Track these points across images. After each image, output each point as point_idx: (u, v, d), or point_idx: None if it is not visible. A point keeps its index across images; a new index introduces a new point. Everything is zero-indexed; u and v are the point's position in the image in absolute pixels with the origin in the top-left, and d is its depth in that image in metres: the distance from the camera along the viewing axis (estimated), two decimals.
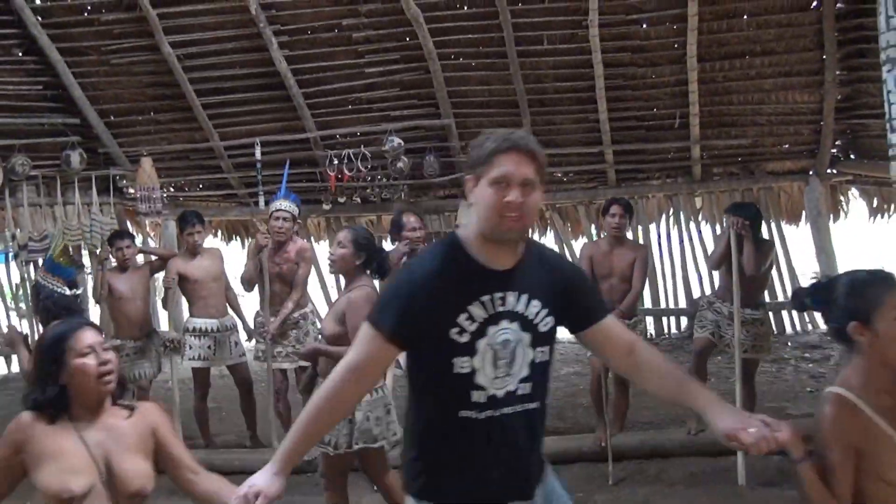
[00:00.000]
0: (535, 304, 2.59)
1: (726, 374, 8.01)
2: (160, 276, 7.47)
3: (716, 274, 7.62)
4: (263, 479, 2.58)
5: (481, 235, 2.58)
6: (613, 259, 6.60)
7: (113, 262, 7.45)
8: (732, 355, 6.40)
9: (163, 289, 7.33)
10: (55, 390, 2.87)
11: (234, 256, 9.89)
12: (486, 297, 2.55)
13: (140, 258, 7.77)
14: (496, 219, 2.50)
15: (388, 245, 6.99)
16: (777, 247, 10.32)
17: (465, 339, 2.54)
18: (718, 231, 9.84)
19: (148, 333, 7.22)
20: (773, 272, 10.22)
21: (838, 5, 8.88)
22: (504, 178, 2.48)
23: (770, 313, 10.23)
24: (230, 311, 7.47)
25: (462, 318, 2.53)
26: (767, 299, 10.06)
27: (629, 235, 7.57)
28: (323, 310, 9.75)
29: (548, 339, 2.64)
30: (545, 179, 2.61)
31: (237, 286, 7.50)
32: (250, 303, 7.50)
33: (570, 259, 9.12)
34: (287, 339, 6.91)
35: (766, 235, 7.53)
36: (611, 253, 6.63)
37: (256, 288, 7.03)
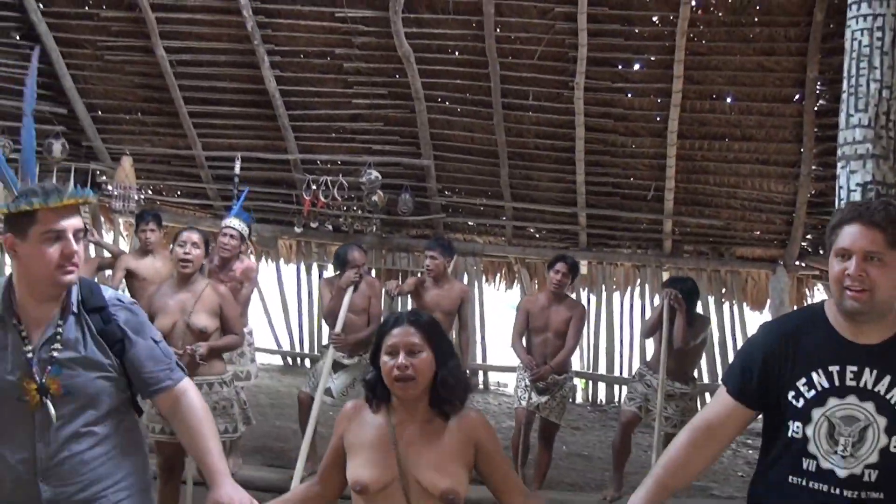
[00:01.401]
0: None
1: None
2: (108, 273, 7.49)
3: (648, 345, 7.66)
4: None
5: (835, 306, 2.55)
6: (550, 314, 6.65)
7: None
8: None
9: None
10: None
11: None
12: (834, 368, 2.50)
13: (92, 250, 7.79)
14: (838, 291, 2.46)
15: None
16: (736, 331, 10.40)
17: (800, 404, 2.54)
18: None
19: None
20: (731, 355, 10.31)
21: (820, 102, 9.01)
22: (844, 251, 2.46)
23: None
24: None
25: (801, 383, 2.54)
26: (720, 382, 10.18)
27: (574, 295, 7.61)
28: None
29: None
30: None
31: None
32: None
33: None
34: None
35: (702, 311, 7.56)
36: (548, 308, 6.67)
37: None
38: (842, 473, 2.47)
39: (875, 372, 2.45)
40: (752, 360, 2.66)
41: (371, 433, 2.82)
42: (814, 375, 2.50)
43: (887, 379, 2.43)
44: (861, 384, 2.46)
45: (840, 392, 2.47)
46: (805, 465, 2.53)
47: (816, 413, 2.49)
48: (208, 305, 5.37)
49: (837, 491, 2.47)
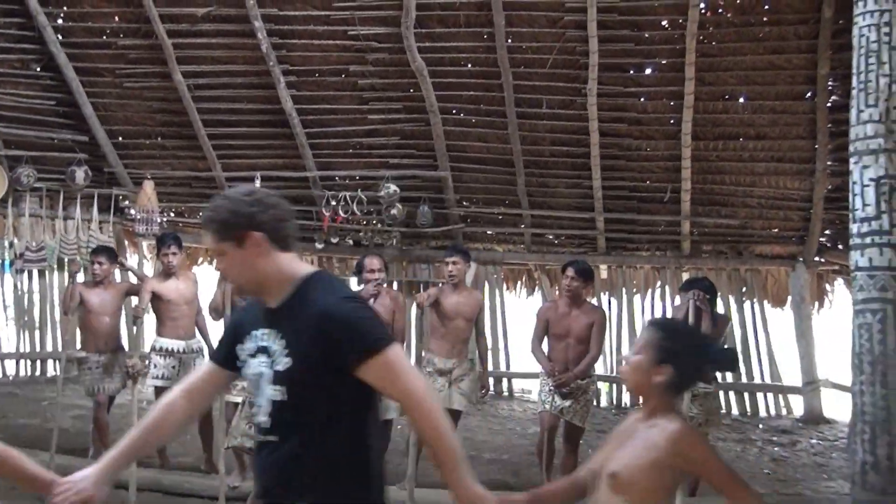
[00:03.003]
0: (280, 343, 2.65)
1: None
2: (135, 298, 7.61)
3: None
4: None
5: None
6: (570, 320, 6.69)
7: (88, 275, 7.63)
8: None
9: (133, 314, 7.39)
10: None
11: None
12: (256, 331, 2.72)
13: (117, 276, 7.93)
14: None
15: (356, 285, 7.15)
16: (758, 329, 10.42)
17: (241, 365, 2.77)
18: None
19: (115, 350, 7.34)
20: (753, 353, 10.34)
21: (832, 98, 9.06)
22: None
23: (746, 395, 10.35)
24: (198, 334, 7.59)
25: (239, 347, 2.77)
26: (745, 380, 10.23)
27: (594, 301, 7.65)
28: None
29: (283, 379, 2.63)
30: None
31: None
32: (219, 331, 7.61)
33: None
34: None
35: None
36: (568, 314, 6.71)
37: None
38: (257, 420, 2.73)
39: (273, 331, 2.66)
40: (225, 328, 2.98)
41: None
42: (246, 339, 2.73)
43: (277, 335, 2.64)
44: (264, 343, 2.68)
45: (258, 352, 2.69)
46: (254, 419, 2.82)
47: (246, 371, 2.74)
48: None
49: (260, 437, 2.75)
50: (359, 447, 2.66)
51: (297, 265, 2.74)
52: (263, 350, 2.67)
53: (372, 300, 6.66)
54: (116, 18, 9.62)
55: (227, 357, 2.84)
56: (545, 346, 6.88)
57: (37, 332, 10.61)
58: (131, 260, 10.60)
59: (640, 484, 2.76)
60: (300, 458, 2.64)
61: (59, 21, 9.66)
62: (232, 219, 2.65)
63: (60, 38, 9.62)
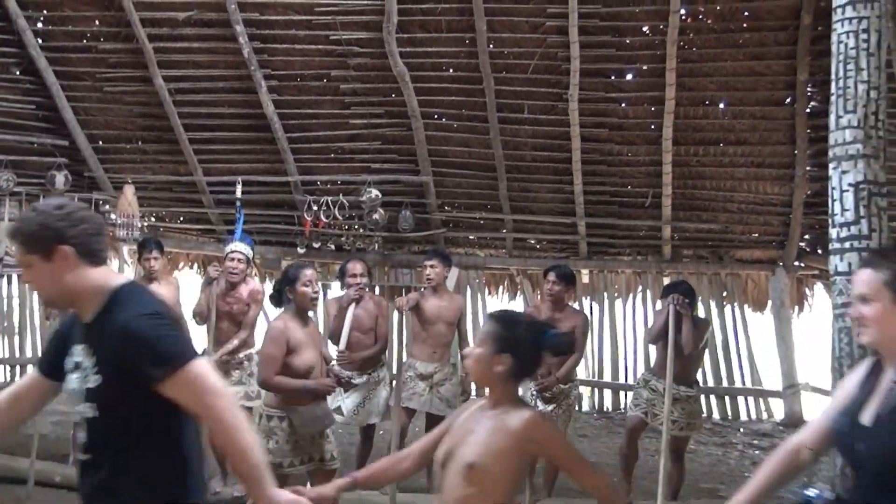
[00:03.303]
0: (91, 359, 2.63)
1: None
2: None
3: (652, 351, 7.74)
4: None
5: None
6: (553, 324, 6.70)
7: None
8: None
9: None
10: None
11: None
12: (76, 347, 2.69)
13: None
14: None
15: (338, 290, 7.16)
16: (739, 334, 10.48)
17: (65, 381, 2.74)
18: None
19: None
20: (734, 357, 10.40)
21: (811, 104, 9.15)
22: None
23: (726, 399, 10.40)
24: None
25: (66, 359, 2.73)
26: (725, 384, 10.28)
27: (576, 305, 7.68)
28: None
29: (94, 396, 2.62)
30: None
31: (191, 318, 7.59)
32: (201, 339, 7.58)
33: None
34: (230, 378, 6.96)
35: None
36: (551, 318, 6.72)
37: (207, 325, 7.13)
38: (79, 438, 2.71)
39: (86, 346, 2.65)
40: (50, 338, 2.99)
41: None
42: (69, 353, 2.71)
43: (90, 352, 2.63)
44: (78, 359, 2.66)
45: (75, 368, 2.67)
46: None
47: (66, 387, 2.72)
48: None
49: (80, 455, 2.73)
50: (174, 460, 2.68)
51: (110, 278, 2.71)
52: (78, 366, 2.65)
53: (354, 304, 6.69)
54: (97, 22, 9.58)
55: (51, 367, 2.80)
56: None
57: (16, 338, 10.52)
58: (112, 266, 10.52)
59: (494, 472, 2.89)
60: (116, 475, 2.63)
61: (39, 25, 9.61)
62: (40, 232, 2.63)
63: (40, 41, 9.56)
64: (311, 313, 5.44)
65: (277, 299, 5.31)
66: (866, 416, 2.62)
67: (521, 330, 3.05)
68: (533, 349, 3.02)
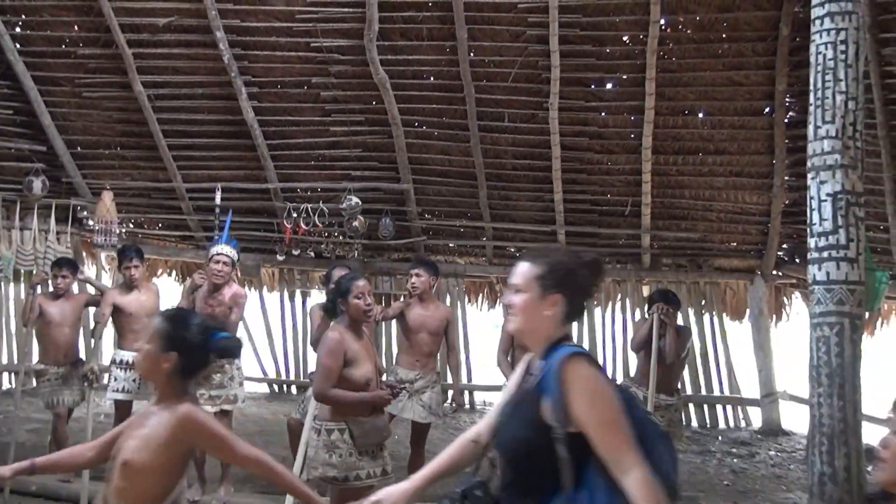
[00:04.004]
0: None
1: None
2: (94, 309, 7.54)
3: (632, 359, 7.76)
4: None
5: None
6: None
7: (47, 287, 7.55)
8: None
9: (94, 322, 7.31)
10: None
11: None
12: None
13: (75, 287, 7.83)
14: None
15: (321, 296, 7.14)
16: (717, 342, 10.52)
17: None
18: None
19: (73, 362, 7.25)
20: (713, 366, 10.44)
21: (790, 114, 9.22)
22: None
23: (705, 407, 10.44)
24: None
25: None
26: (704, 392, 10.32)
27: None
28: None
29: None
30: None
31: None
32: None
33: None
34: (210, 382, 6.91)
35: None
36: None
37: None
38: None
39: None
40: None
41: None
42: None
43: None
44: None
45: None
46: None
47: None
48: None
49: None
50: None
51: None
52: None
53: None
54: (76, 27, 9.52)
55: None
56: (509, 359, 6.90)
57: None
58: (89, 271, 10.46)
59: (148, 466, 2.98)
60: None
61: (18, 29, 9.55)
62: None
63: (19, 46, 9.50)
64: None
65: (332, 311, 5.21)
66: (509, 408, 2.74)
67: (190, 330, 3.16)
68: (200, 349, 3.15)
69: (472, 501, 2.66)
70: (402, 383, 6.84)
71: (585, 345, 10.67)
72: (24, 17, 9.49)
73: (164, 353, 3.08)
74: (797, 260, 10.21)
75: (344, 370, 4.79)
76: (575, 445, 2.48)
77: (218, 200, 9.92)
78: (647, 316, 6.91)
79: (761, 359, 10.29)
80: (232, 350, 3.28)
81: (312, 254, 10.82)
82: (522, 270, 2.73)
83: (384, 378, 5.48)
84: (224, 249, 7.05)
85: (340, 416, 4.84)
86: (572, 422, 2.48)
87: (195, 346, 3.12)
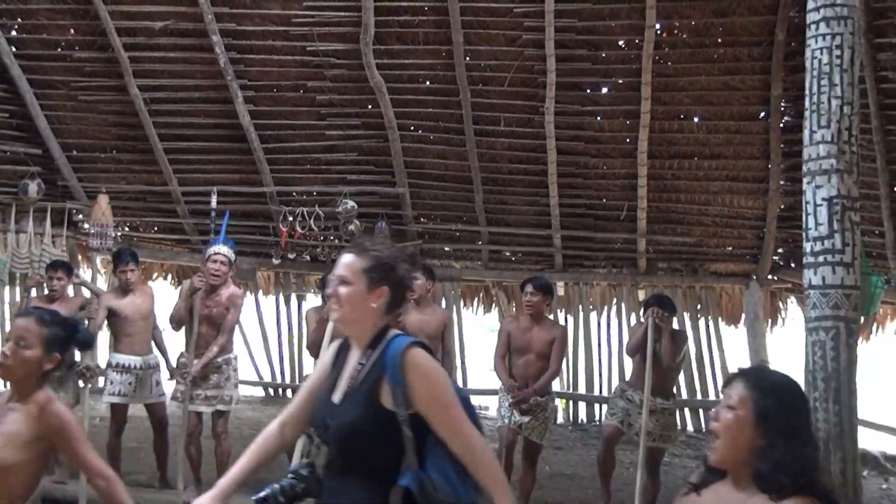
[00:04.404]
0: None
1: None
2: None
3: (627, 364, 7.77)
4: None
5: None
6: (532, 336, 6.73)
7: (42, 290, 7.54)
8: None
9: (86, 319, 7.25)
10: None
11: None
12: None
13: (71, 290, 7.82)
14: None
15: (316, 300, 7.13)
16: (713, 346, 10.52)
17: None
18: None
19: (69, 364, 7.23)
20: (708, 370, 10.44)
21: (785, 118, 9.23)
22: None
23: (700, 412, 10.43)
24: (155, 349, 7.52)
25: None
26: (699, 397, 10.32)
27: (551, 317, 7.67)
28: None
29: None
30: None
31: (166, 325, 7.54)
32: (177, 342, 7.54)
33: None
34: (207, 382, 6.93)
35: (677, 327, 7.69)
36: (529, 330, 6.75)
37: (184, 329, 7.07)
38: None
39: None
40: None
41: None
42: None
43: None
44: None
45: None
46: None
47: None
48: None
49: None
50: None
51: None
52: None
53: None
54: (72, 31, 9.51)
55: None
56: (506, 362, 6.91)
57: None
58: (85, 274, 10.44)
59: (12, 464, 3.05)
60: None
61: (13, 33, 9.53)
62: None
63: (14, 49, 9.48)
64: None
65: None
66: (337, 395, 2.80)
67: (57, 325, 3.30)
68: (66, 339, 3.33)
69: (300, 480, 2.74)
70: None
71: (581, 349, 10.70)
72: (19, 20, 9.47)
73: (47, 355, 3.21)
74: (793, 264, 10.20)
75: None
76: (415, 425, 2.65)
77: (213, 204, 9.88)
78: (642, 320, 6.91)
79: (757, 363, 10.28)
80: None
81: (308, 258, 10.82)
82: (349, 263, 2.82)
83: None
84: (221, 249, 7.07)
85: None
86: (413, 404, 2.66)
87: (61, 337, 3.28)
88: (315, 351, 6.65)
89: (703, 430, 10.40)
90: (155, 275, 11.34)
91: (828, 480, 2.69)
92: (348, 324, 2.87)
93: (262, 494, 2.70)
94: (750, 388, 2.43)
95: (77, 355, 7.67)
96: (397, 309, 2.94)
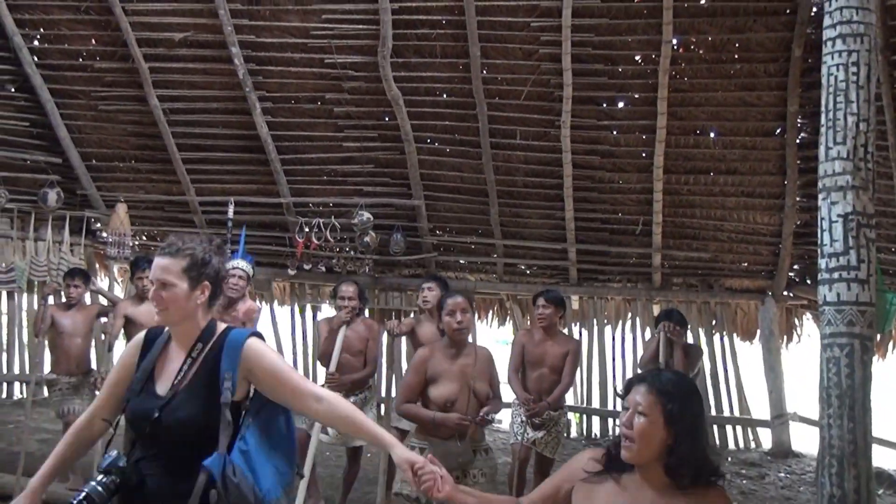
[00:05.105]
0: None
1: None
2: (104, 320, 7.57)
3: None
4: None
5: None
6: (546, 350, 6.71)
7: (59, 298, 7.59)
8: None
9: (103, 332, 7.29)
10: None
11: None
12: None
13: (87, 298, 7.87)
14: None
15: (330, 311, 7.15)
16: (728, 362, 10.48)
17: None
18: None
19: (85, 372, 7.29)
20: (723, 386, 10.40)
21: (801, 135, 9.22)
22: None
23: (715, 427, 10.38)
24: None
25: None
26: (714, 413, 10.27)
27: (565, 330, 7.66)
28: None
29: None
30: None
31: None
32: None
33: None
34: None
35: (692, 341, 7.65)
36: (543, 343, 6.74)
37: None
38: None
39: None
40: None
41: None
42: None
43: None
44: None
45: None
46: None
47: None
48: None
49: None
50: None
51: None
52: None
53: (345, 326, 6.67)
54: (93, 41, 9.62)
55: None
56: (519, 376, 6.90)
57: (4, 355, 10.50)
58: (102, 283, 10.52)
59: None
60: None
61: (36, 42, 9.66)
62: None
63: (36, 59, 9.61)
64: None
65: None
66: (160, 388, 2.85)
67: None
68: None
69: (115, 474, 2.75)
70: None
71: (595, 363, 10.69)
72: (42, 30, 9.59)
73: None
74: (808, 281, 10.19)
75: (426, 387, 4.82)
76: (235, 413, 2.82)
77: (230, 214, 9.96)
78: (655, 335, 6.89)
79: (772, 380, 10.25)
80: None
81: (323, 268, 10.85)
82: (167, 265, 2.89)
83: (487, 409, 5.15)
84: (240, 264, 7.11)
85: (422, 434, 4.86)
86: (253, 385, 2.89)
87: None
88: (325, 361, 6.68)
89: (719, 446, 10.35)
90: None
91: (716, 458, 3.02)
92: (175, 324, 2.92)
93: (80, 496, 2.72)
94: (656, 393, 2.65)
95: (93, 363, 7.78)
96: (216, 301, 3.03)
